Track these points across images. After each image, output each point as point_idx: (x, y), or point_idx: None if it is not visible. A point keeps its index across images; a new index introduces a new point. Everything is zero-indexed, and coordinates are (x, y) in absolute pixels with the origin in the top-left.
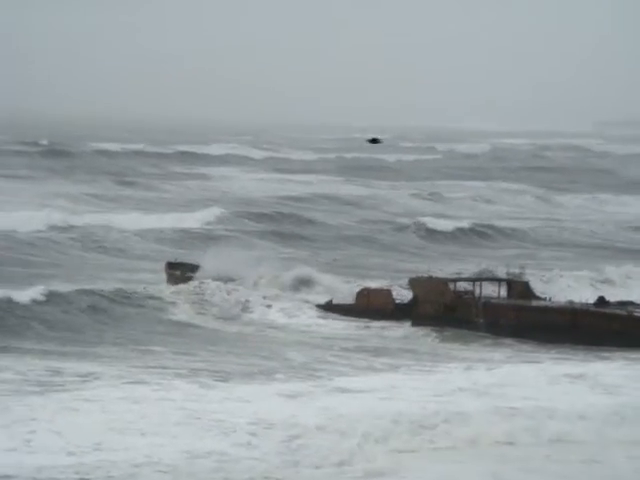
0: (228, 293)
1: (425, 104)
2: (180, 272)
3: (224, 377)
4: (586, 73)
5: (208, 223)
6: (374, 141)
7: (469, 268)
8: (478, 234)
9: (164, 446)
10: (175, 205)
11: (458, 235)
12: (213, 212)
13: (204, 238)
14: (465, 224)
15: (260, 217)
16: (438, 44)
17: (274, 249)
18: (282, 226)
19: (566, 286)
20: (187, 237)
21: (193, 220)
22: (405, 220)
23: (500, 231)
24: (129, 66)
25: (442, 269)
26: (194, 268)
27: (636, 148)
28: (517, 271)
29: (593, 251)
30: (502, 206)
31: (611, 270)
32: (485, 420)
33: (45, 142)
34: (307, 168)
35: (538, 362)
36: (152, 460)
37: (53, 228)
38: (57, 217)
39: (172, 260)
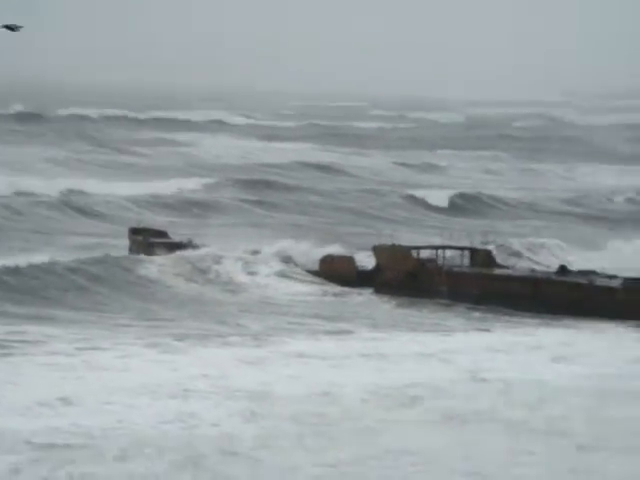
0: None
1: (407, 75)
2: (143, 237)
3: (182, 340)
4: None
5: (194, 191)
6: (9, 28)
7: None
8: (466, 203)
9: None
10: (156, 172)
11: (446, 205)
12: (198, 180)
13: (188, 205)
14: (451, 193)
15: (244, 185)
16: (429, 16)
17: (260, 216)
18: (267, 194)
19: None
20: (175, 204)
21: (179, 187)
22: (386, 188)
23: (485, 201)
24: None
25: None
26: (159, 234)
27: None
28: (481, 240)
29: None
30: (482, 175)
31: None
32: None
33: (20, 107)
34: (283, 135)
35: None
36: (123, 425)
37: (29, 194)
38: (33, 182)
39: (136, 225)
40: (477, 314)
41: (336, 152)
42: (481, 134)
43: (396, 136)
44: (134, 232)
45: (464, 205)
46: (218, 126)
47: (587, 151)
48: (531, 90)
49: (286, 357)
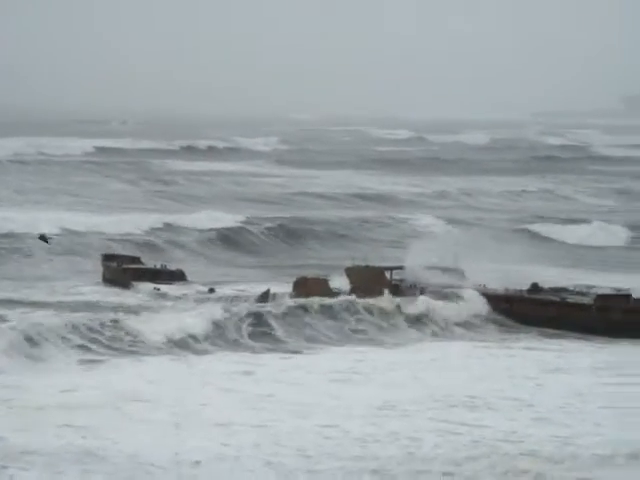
0: None
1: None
2: (117, 263)
3: None
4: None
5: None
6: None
7: None
8: None
9: None
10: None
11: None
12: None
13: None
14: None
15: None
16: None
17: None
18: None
19: None
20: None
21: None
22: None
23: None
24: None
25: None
26: (132, 260)
27: None
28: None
29: None
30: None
31: None
32: None
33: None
34: (324, 162)
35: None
36: None
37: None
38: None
39: (108, 252)
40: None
41: (400, 180)
42: (516, 157)
43: (432, 158)
44: (107, 258)
45: None
46: (248, 154)
47: None
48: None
49: None
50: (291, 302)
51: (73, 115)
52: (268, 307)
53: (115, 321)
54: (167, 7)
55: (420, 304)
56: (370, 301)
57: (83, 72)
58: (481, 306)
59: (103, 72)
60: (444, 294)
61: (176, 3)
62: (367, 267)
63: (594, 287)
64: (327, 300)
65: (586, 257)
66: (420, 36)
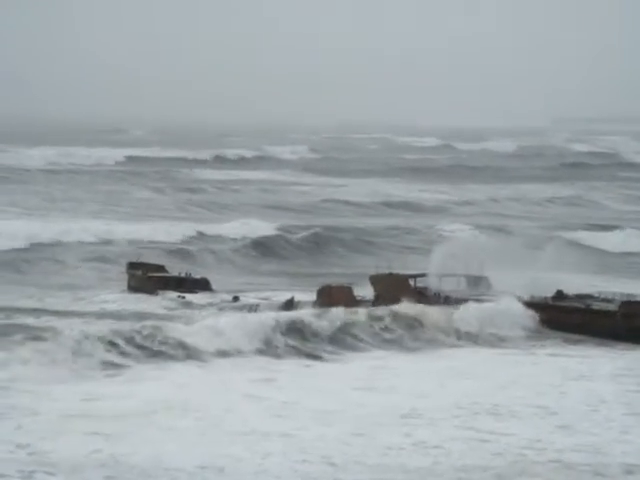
0: None
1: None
2: (142, 272)
3: None
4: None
5: None
6: None
7: None
8: None
9: None
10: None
11: None
12: None
13: None
14: None
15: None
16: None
17: None
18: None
19: None
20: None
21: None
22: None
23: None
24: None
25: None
26: (157, 268)
27: None
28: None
29: None
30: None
31: None
32: None
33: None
34: (356, 170)
35: None
36: None
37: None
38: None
39: (133, 261)
40: None
41: (427, 187)
42: (544, 164)
43: (459, 165)
44: (132, 267)
45: None
46: (275, 162)
47: None
48: (522, 117)
49: None
50: (341, 314)
51: (76, 124)
52: (308, 317)
53: (155, 328)
54: (167, 9)
55: (471, 317)
56: (410, 311)
57: (82, 79)
58: (530, 320)
59: (102, 79)
60: (480, 302)
61: (176, 4)
62: (391, 275)
63: (626, 294)
64: (374, 312)
65: (615, 264)
66: (421, 36)
